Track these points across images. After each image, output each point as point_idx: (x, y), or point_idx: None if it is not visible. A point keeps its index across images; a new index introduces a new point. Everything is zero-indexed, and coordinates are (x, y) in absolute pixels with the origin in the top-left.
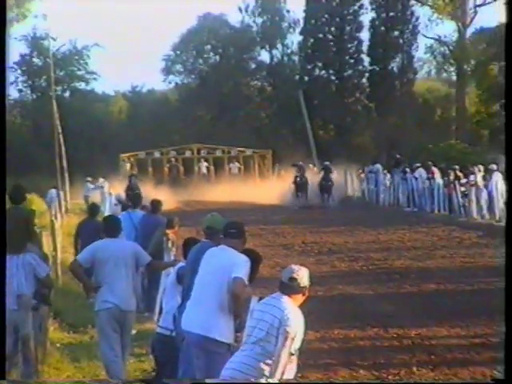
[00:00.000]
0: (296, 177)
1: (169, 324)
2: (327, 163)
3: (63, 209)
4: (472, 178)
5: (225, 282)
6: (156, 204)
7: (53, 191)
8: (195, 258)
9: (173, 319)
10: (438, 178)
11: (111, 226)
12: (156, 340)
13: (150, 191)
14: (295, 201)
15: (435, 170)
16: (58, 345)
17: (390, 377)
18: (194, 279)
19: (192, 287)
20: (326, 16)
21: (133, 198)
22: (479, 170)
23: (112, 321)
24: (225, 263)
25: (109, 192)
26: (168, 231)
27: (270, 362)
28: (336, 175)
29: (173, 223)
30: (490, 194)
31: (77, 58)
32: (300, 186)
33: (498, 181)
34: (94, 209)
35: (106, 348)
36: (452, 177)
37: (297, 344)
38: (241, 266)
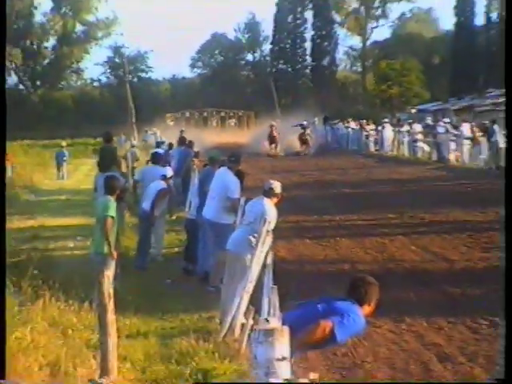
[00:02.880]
0: (270, 133)
1: (194, 212)
2: (304, 122)
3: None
4: (380, 127)
5: (225, 193)
6: (185, 141)
7: (122, 137)
8: (202, 177)
9: (196, 210)
10: (353, 127)
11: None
12: (187, 221)
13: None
14: (269, 151)
15: (352, 122)
16: (130, 225)
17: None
18: (203, 190)
19: (201, 195)
20: (285, 33)
21: (179, 140)
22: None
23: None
24: (225, 182)
25: (160, 137)
26: (195, 159)
27: (256, 235)
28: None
29: (198, 155)
30: (382, 136)
31: (141, 59)
32: (272, 139)
33: (387, 129)
34: (155, 156)
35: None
36: (358, 126)
37: (271, 226)
38: (235, 188)
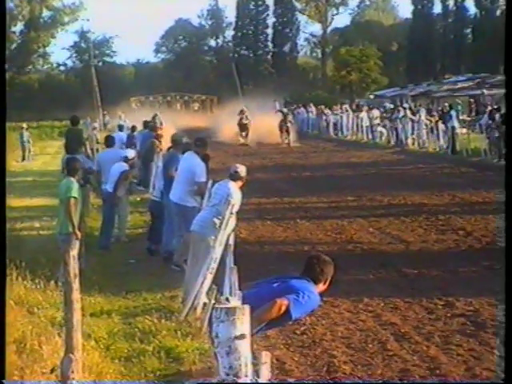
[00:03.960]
0: (240, 120)
1: (158, 194)
2: (284, 109)
3: (98, 128)
4: (339, 112)
5: (192, 177)
6: (149, 125)
7: (87, 120)
8: (166, 160)
9: (160, 193)
10: (314, 111)
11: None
12: (151, 203)
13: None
14: (240, 138)
15: (312, 107)
16: (95, 206)
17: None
18: (167, 172)
19: (166, 177)
20: (248, 20)
21: (143, 123)
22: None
23: None
24: (192, 167)
25: (124, 120)
26: (156, 142)
27: (220, 217)
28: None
29: (159, 137)
30: (342, 121)
31: (106, 43)
32: (242, 126)
33: (349, 113)
34: (108, 140)
35: None
36: (319, 111)
37: (235, 208)
38: (202, 172)
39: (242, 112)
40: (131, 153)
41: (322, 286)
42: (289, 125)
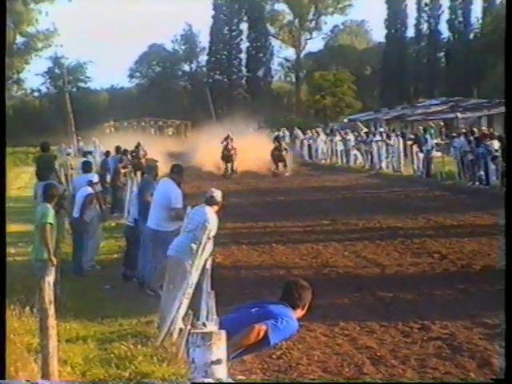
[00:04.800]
0: (225, 148)
1: (133, 220)
2: (278, 134)
3: (72, 154)
4: (314, 136)
5: (168, 204)
6: (118, 150)
7: (63, 146)
8: (141, 186)
9: (135, 218)
10: (287, 136)
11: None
12: (126, 228)
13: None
14: (224, 170)
15: (286, 132)
16: (70, 232)
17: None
18: (142, 198)
19: (141, 203)
20: (222, 45)
21: (116, 149)
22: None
23: None
24: (168, 193)
25: (99, 145)
26: (120, 166)
27: (197, 242)
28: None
29: (123, 161)
30: (316, 145)
31: (80, 69)
32: (228, 157)
33: (321, 136)
34: (84, 165)
35: None
36: (293, 136)
37: (212, 233)
38: (177, 198)
39: (227, 138)
40: (95, 177)
41: (300, 312)
42: (284, 153)
